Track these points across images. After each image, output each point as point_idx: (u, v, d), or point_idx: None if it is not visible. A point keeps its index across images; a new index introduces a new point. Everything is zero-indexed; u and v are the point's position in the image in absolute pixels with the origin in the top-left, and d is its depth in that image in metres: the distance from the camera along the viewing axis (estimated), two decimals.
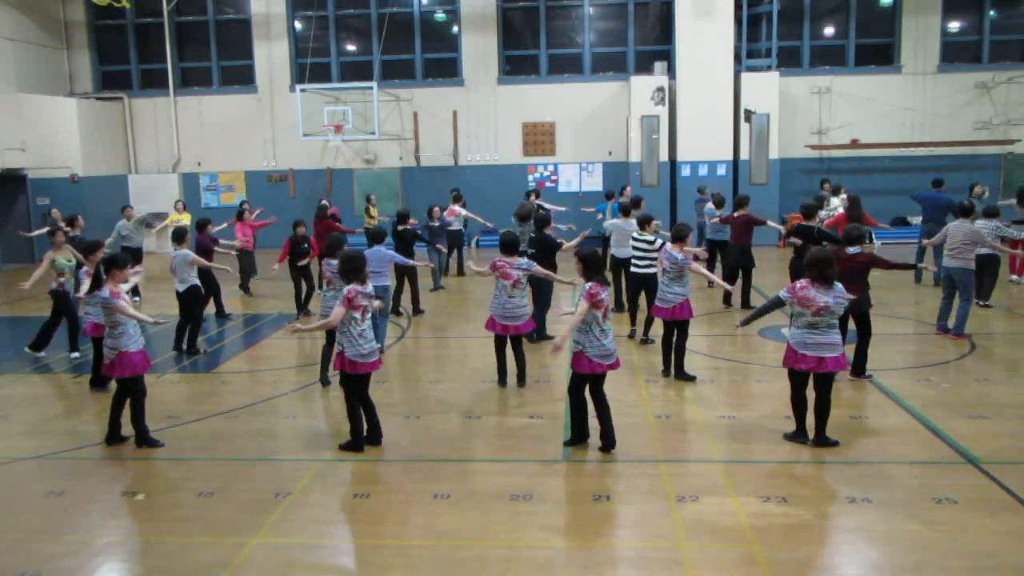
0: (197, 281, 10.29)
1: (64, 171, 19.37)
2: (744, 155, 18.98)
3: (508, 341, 8.39)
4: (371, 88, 19.27)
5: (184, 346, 10.27)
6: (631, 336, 10.25)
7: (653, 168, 19.07)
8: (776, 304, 6.61)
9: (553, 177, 20.63)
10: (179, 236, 10.27)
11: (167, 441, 7.11)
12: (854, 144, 19.44)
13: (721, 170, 18.90)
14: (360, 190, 20.41)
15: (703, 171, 18.92)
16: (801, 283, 6.38)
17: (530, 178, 20.46)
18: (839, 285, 6.40)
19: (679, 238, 8.53)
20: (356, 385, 6.59)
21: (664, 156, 19.10)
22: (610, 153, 20.41)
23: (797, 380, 6.56)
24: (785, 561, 4.84)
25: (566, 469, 6.33)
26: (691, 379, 8.49)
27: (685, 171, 19.00)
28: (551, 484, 6.04)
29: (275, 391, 8.53)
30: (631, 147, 19.19)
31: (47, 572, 4.94)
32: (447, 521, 5.45)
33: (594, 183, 20.34)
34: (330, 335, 8.26)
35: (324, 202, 15.74)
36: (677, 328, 8.55)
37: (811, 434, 6.63)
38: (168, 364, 9.82)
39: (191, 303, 10.24)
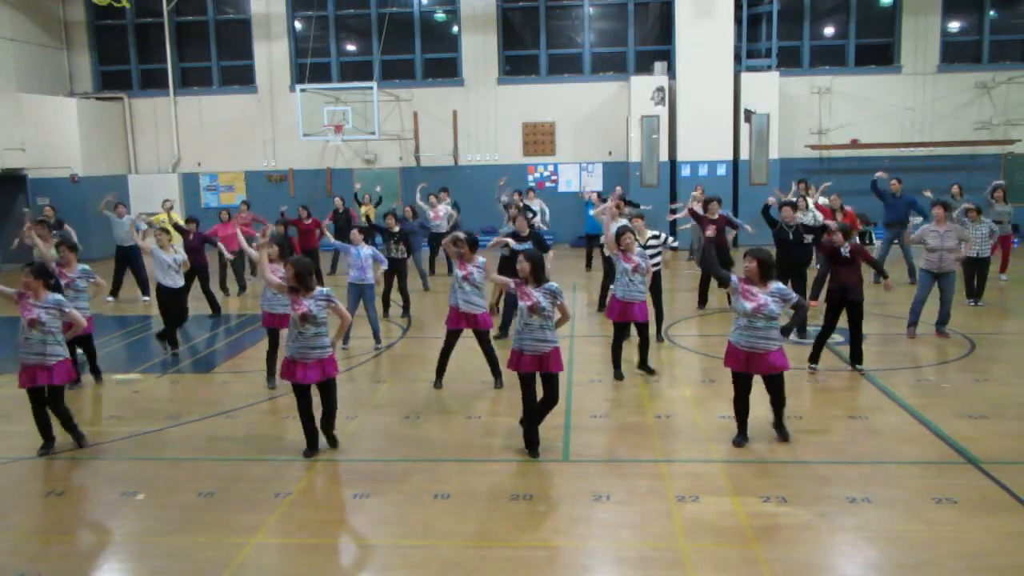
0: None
1: (64, 171, 19.36)
2: (744, 155, 18.98)
3: (464, 337, 8.46)
4: (371, 88, 19.27)
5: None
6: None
7: (653, 168, 19.07)
8: (727, 279, 6.61)
9: (553, 177, 20.63)
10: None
11: (167, 441, 7.12)
12: (854, 144, 19.43)
13: (721, 170, 18.90)
14: (360, 190, 20.38)
15: (703, 171, 18.92)
16: (742, 277, 6.44)
17: (530, 178, 20.47)
18: (778, 285, 6.39)
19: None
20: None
21: (664, 156, 19.10)
22: (610, 153, 20.41)
23: (741, 383, 6.56)
24: (785, 561, 4.84)
25: (566, 469, 6.33)
26: (652, 372, 8.66)
27: (685, 171, 18.99)
28: (551, 484, 6.04)
29: (275, 391, 8.52)
30: (631, 147, 19.19)
31: (47, 572, 4.94)
32: (447, 521, 5.45)
33: (594, 183, 20.32)
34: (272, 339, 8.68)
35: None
36: (643, 326, 8.63)
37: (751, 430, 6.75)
38: (168, 364, 9.83)
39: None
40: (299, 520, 5.55)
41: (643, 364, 8.72)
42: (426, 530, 5.35)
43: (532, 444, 6.50)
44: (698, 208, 12.07)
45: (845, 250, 8.37)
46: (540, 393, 6.46)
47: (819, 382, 8.39)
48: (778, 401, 6.58)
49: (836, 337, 9.99)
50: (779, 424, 6.68)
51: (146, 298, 14.04)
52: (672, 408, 7.71)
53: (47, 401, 6.85)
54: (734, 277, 6.52)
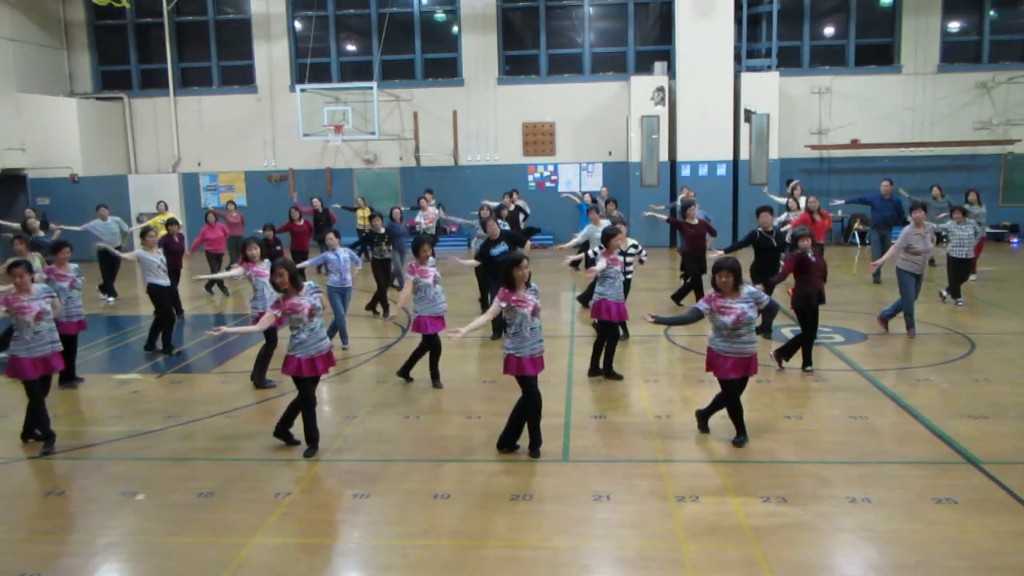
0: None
1: (64, 171, 19.38)
2: (744, 155, 18.99)
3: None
4: (371, 88, 19.29)
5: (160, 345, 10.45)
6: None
7: (653, 168, 19.08)
8: (695, 316, 6.66)
9: (553, 177, 20.64)
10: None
11: (167, 441, 7.12)
12: (854, 144, 19.44)
13: (721, 170, 18.92)
14: (360, 190, 20.42)
15: (703, 171, 18.92)
16: (713, 293, 6.43)
17: (530, 177, 20.52)
18: (748, 288, 6.42)
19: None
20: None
21: (664, 156, 19.12)
22: (610, 153, 20.41)
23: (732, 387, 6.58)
24: (785, 561, 4.84)
25: (566, 469, 6.33)
26: (620, 377, 8.60)
27: (685, 171, 19.00)
28: (551, 484, 6.04)
29: (275, 391, 8.52)
30: (631, 147, 19.19)
31: (47, 572, 4.94)
32: (447, 521, 5.45)
33: (594, 183, 20.35)
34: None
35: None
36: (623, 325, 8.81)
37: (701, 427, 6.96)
38: (166, 365, 9.83)
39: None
40: (299, 520, 5.55)
41: (610, 367, 8.66)
42: (426, 530, 5.35)
43: (535, 444, 6.52)
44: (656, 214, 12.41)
45: (811, 255, 8.41)
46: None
47: (822, 382, 8.39)
48: (739, 404, 6.61)
49: (836, 337, 10.02)
50: (740, 427, 6.68)
51: (110, 299, 13.89)
52: (672, 408, 7.71)
53: (44, 391, 6.95)
54: (699, 305, 6.55)
